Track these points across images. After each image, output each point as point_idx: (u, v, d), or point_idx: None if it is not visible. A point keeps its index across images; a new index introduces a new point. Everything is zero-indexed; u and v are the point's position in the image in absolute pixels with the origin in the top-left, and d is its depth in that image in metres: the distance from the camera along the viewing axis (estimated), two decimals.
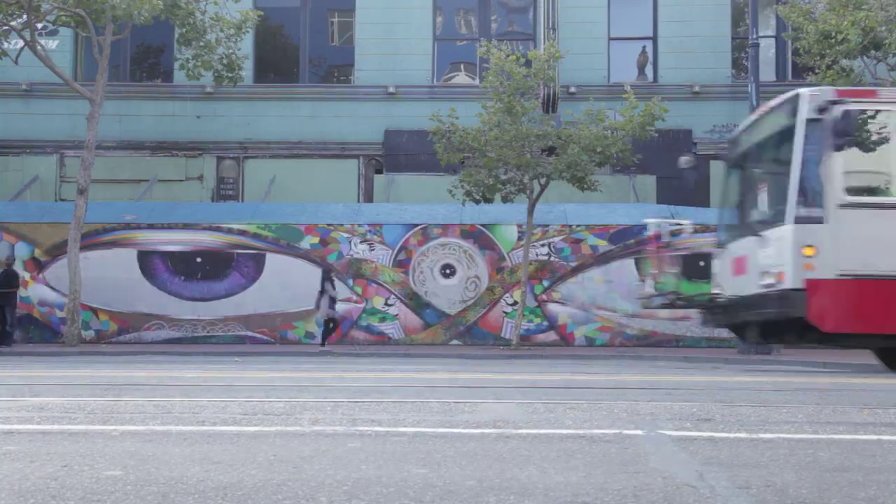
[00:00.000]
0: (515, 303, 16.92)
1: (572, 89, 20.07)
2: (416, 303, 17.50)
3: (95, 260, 17.13)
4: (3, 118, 20.44)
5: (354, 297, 17.43)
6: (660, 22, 20.92)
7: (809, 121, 8.23)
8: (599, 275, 17.27)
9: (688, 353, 14.39)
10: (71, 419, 4.05)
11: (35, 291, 17.33)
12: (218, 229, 17.61)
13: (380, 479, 2.68)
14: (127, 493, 2.46)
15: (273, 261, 17.46)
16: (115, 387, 6.33)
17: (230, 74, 17.60)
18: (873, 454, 3.33)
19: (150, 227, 17.56)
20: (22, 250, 17.42)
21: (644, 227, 17.34)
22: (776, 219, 8.54)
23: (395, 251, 17.54)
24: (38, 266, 17.40)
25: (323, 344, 15.79)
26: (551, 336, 17.27)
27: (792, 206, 8.19)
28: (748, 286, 8.91)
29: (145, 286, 17.34)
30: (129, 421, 4.06)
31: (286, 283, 17.31)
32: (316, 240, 17.59)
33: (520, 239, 17.37)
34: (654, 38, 21.00)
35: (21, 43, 16.54)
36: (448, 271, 17.52)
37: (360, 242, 17.60)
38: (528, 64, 16.54)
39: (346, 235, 17.59)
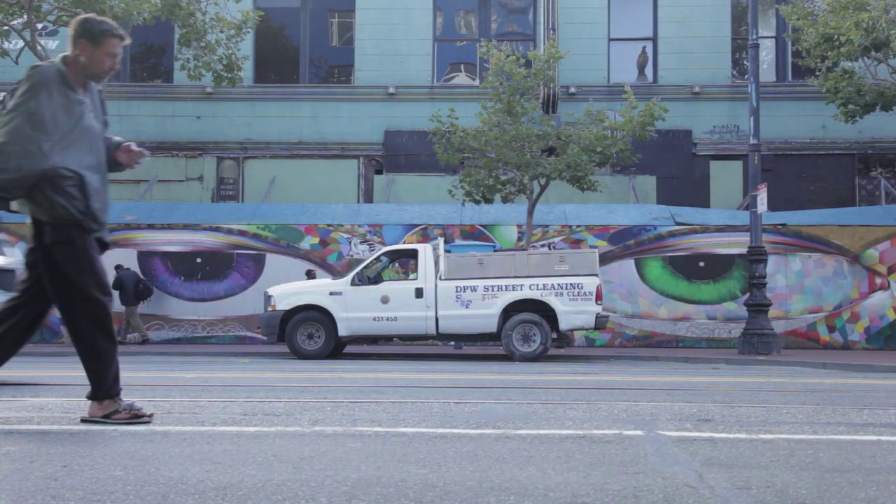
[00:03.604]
0: None
1: (572, 89, 20.08)
2: None
3: None
4: None
5: None
6: (660, 22, 20.92)
7: None
8: (599, 275, 17.31)
9: (688, 354, 14.39)
10: (71, 419, 4.05)
11: None
12: (218, 230, 17.60)
13: (380, 479, 2.68)
14: (127, 493, 2.46)
15: (273, 261, 17.45)
16: None
17: (230, 75, 17.59)
18: (873, 454, 3.33)
19: (150, 227, 17.56)
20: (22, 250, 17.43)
21: (644, 227, 17.39)
22: None
23: None
24: None
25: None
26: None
27: None
28: None
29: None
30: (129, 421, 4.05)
31: None
32: (316, 240, 17.58)
33: (519, 239, 17.36)
34: (654, 39, 21.00)
35: (21, 43, 16.55)
36: None
37: (361, 243, 17.60)
38: (528, 64, 16.55)
39: (346, 236, 17.59)
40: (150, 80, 21.48)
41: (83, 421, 3.91)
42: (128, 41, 4.21)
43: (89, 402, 3.94)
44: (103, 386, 3.88)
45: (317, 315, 13.27)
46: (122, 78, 20.76)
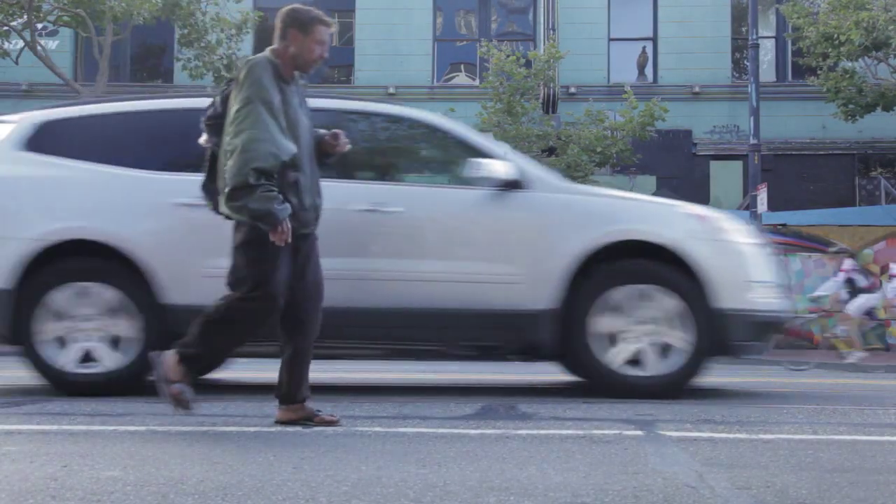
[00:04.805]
0: None
1: (572, 90, 20.06)
2: None
3: None
4: None
5: None
6: (660, 22, 20.91)
7: None
8: None
9: None
10: (71, 419, 4.05)
11: None
12: None
13: (380, 479, 2.68)
14: (127, 493, 2.46)
15: None
16: None
17: (230, 75, 17.58)
18: (873, 454, 3.33)
19: None
20: None
21: None
22: None
23: None
24: None
25: None
26: None
27: None
28: None
29: None
30: (129, 421, 4.06)
31: None
32: None
33: None
34: (654, 39, 20.99)
35: (21, 43, 16.54)
36: None
37: None
38: (528, 64, 16.56)
39: None
40: (150, 79, 21.45)
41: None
42: (333, 29, 4.11)
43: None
44: (187, 353, 3.98)
45: None
46: (123, 78, 20.74)
